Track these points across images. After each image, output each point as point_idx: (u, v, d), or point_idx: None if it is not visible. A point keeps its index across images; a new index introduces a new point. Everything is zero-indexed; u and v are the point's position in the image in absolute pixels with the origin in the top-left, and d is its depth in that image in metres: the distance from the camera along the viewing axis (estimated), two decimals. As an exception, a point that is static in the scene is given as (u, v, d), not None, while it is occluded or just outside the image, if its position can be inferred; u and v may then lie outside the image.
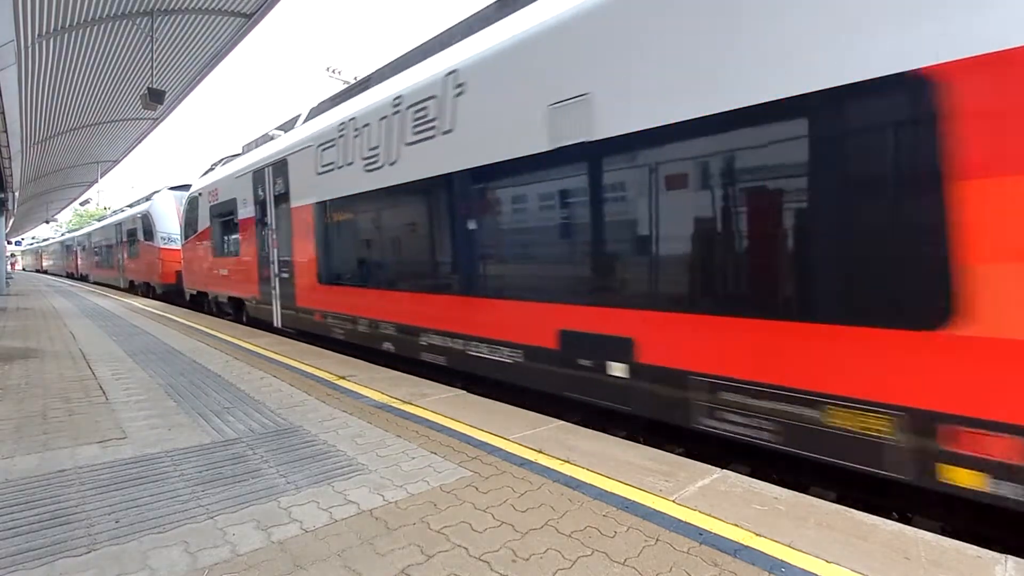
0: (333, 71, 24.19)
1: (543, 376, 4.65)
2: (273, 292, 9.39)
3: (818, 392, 3.00)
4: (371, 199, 6.70)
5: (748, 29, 3.23)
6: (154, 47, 10.22)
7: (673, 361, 3.71)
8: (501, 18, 5.25)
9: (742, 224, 3.40)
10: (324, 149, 7.62)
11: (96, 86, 12.59)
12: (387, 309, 6.58)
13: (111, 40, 10.18)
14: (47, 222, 46.22)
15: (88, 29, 9.42)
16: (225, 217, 11.13)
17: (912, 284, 2.70)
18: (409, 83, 6.07)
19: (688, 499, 2.78)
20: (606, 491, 2.90)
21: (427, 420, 4.19)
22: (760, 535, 2.41)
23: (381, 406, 4.61)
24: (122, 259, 23.39)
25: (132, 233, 20.85)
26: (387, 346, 6.63)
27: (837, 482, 3.37)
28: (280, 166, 8.84)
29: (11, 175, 15.10)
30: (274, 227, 9.16)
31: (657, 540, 2.39)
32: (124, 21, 9.46)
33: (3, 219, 19.62)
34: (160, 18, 9.61)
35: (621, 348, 3.98)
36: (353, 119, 6.98)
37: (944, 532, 2.85)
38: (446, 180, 5.54)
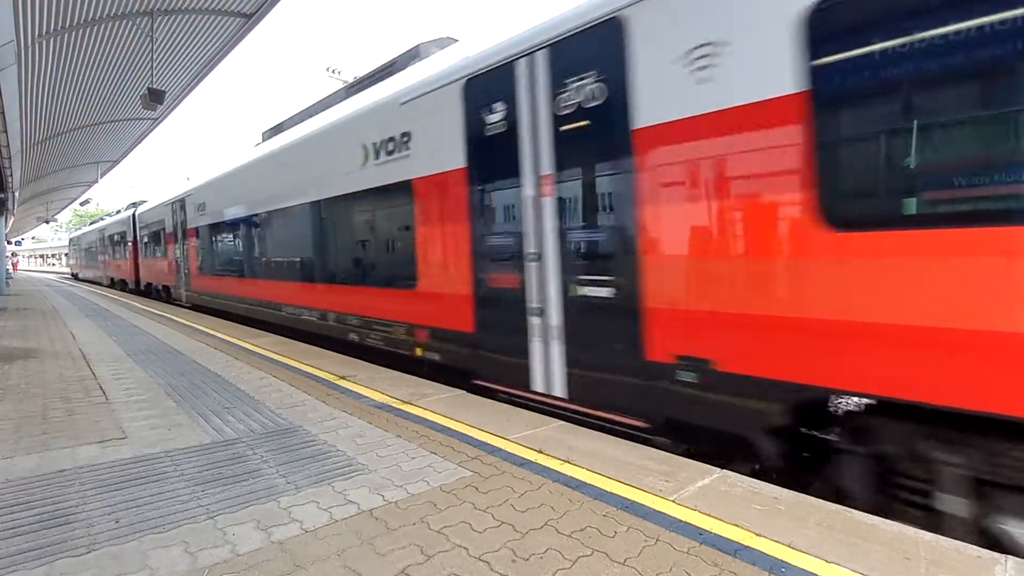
0: (333, 71, 24.21)
1: None
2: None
3: None
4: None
5: None
6: (154, 47, 10.22)
7: None
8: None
9: None
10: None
11: (96, 86, 12.58)
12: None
13: (111, 40, 10.17)
14: (47, 222, 46.17)
15: (88, 29, 9.42)
16: None
17: None
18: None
19: (688, 499, 2.78)
20: (606, 491, 2.90)
21: (427, 420, 4.19)
22: (760, 535, 2.41)
23: (381, 406, 4.61)
24: None
25: None
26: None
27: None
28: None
29: (11, 175, 15.10)
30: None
31: (657, 540, 2.39)
32: (124, 21, 9.46)
33: (3, 219, 19.63)
34: (160, 18, 9.61)
35: None
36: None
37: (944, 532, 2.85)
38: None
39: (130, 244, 20.73)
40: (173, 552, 2.31)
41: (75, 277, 39.53)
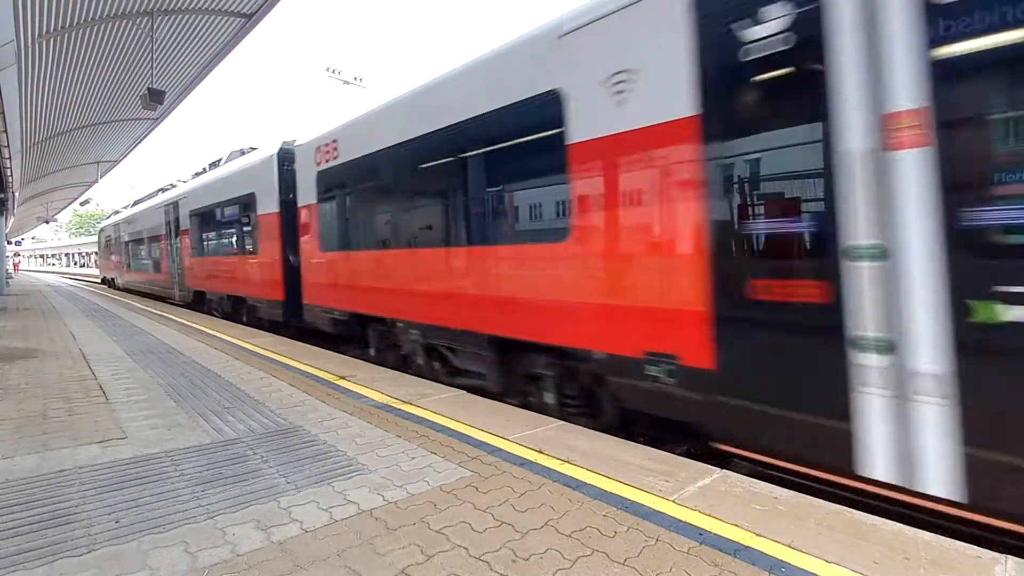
0: (333, 71, 24.23)
1: None
2: None
3: None
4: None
5: None
6: (154, 47, 10.22)
7: None
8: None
9: None
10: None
11: (96, 86, 12.58)
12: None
13: (111, 40, 10.17)
14: (47, 222, 46.13)
15: (88, 29, 9.42)
16: None
17: None
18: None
19: (688, 499, 2.78)
20: (606, 491, 2.90)
21: (427, 420, 4.19)
22: (760, 535, 2.41)
23: (381, 406, 4.61)
24: None
25: None
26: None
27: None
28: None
29: (11, 175, 15.11)
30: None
31: (657, 540, 2.39)
32: (124, 21, 9.46)
33: (3, 219, 19.64)
34: (160, 18, 9.61)
35: None
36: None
37: (944, 532, 2.85)
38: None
39: (265, 223, 9.73)
40: (173, 552, 2.31)
41: (108, 284, 26.35)
